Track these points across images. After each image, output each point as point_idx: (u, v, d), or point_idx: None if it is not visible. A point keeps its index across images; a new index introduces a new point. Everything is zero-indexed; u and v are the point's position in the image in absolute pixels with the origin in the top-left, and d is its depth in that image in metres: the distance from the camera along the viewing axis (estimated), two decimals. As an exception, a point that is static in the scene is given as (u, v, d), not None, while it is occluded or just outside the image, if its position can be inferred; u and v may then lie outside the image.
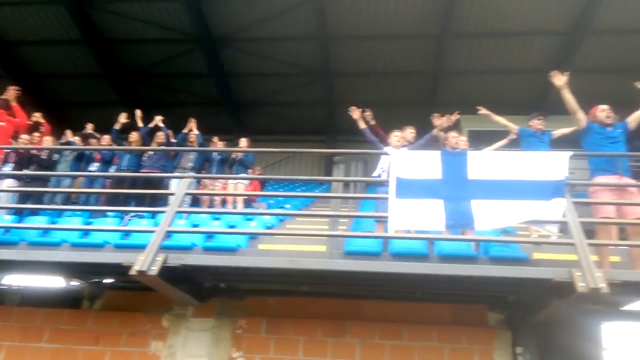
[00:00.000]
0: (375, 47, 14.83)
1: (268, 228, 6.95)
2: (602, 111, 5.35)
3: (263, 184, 12.94)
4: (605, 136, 5.19)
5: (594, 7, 12.62)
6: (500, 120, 6.68)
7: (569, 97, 5.25)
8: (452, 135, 6.33)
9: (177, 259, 4.02)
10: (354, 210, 8.26)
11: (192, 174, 7.65)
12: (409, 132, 6.55)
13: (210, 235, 6.08)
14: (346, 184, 9.33)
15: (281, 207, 9.80)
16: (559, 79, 5.31)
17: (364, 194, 7.32)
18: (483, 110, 6.81)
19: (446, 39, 13.97)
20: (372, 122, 6.72)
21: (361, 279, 4.75)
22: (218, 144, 9.73)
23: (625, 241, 5.13)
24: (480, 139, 7.25)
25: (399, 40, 14.50)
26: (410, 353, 5.23)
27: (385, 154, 4.40)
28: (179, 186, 4.73)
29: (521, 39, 14.09)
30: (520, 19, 13.45)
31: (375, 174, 5.77)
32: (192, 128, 9.01)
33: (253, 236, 6.17)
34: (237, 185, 8.61)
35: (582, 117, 5.28)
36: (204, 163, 9.02)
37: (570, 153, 4.30)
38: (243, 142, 8.89)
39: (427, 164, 4.31)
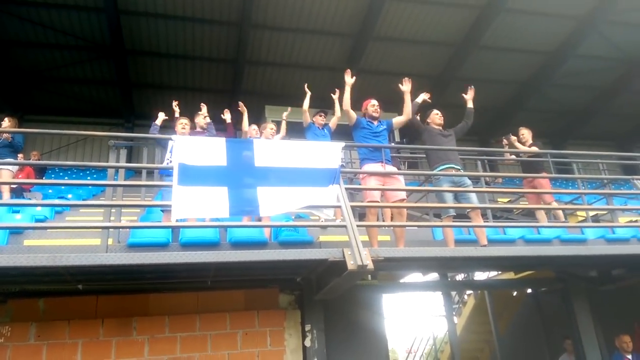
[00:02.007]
0: (175, 28, 14.15)
1: (39, 221, 6.03)
2: (372, 106, 6.03)
3: (41, 171, 11.29)
4: (371, 130, 5.86)
5: (374, 17, 14.21)
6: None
7: (347, 96, 5.79)
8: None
9: None
10: (147, 200, 7.76)
11: None
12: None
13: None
14: (149, 173, 8.78)
15: (61, 198, 8.65)
16: (349, 77, 5.82)
17: (144, 182, 6.88)
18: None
19: (247, 28, 14.08)
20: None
21: (145, 272, 4.48)
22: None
23: (388, 222, 5.88)
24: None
25: (201, 24, 14.11)
26: (204, 341, 5.21)
27: (170, 139, 4.17)
28: None
29: (316, 37, 15.05)
30: (314, 19, 14.37)
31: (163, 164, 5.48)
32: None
33: (17, 231, 5.28)
34: (1, 171, 7.28)
35: (353, 115, 5.87)
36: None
37: (343, 144, 4.72)
38: (5, 122, 7.51)
39: (212, 151, 4.24)
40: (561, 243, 6.68)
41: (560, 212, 7.57)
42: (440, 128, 6.28)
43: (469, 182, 5.99)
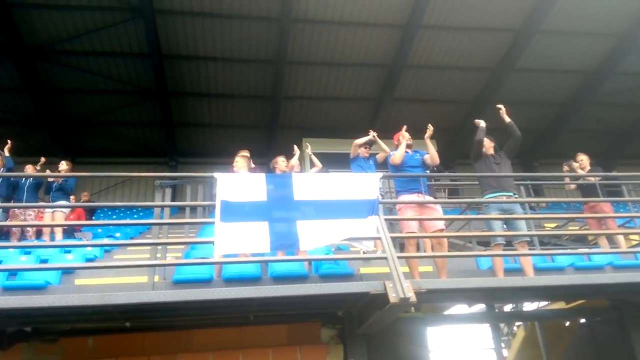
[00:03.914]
0: (215, 69, 14.78)
1: (89, 260, 6.28)
2: (405, 137, 5.98)
3: (91, 211, 11.79)
4: (407, 160, 5.81)
5: (408, 46, 14.36)
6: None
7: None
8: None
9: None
10: (190, 237, 7.96)
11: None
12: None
13: (14, 272, 5.25)
14: (192, 209, 9.04)
15: (110, 237, 8.99)
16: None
17: (188, 219, 7.05)
18: (373, 134, 7.03)
19: (282, 65, 14.51)
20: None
21: (190, 308, 4.55)
22: (28, 169, 8.52)
23: (429, 252, 5.77)
24: (322, 162, 7.60)
25: (239, 63, 14.67)
26: (247, 377, 5.19)
27: (211, 177, 4.30)
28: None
29: (350, 69, 15.31)
30: (348, 52, 14.66)
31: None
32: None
33: (69, 271, 5.51)
34: (55, 213, 7.67)
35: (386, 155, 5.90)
36: (11, 189, 7.87)
37: (380, 174, 4.73)
38: (63, 165, 7.97)
39: (252, 187, 4.33)
40: (614, 269, 6.34)
41: (620, 238, 7.23)
42: (493, 155, 6.15)
43: (519, 209, 5.81)
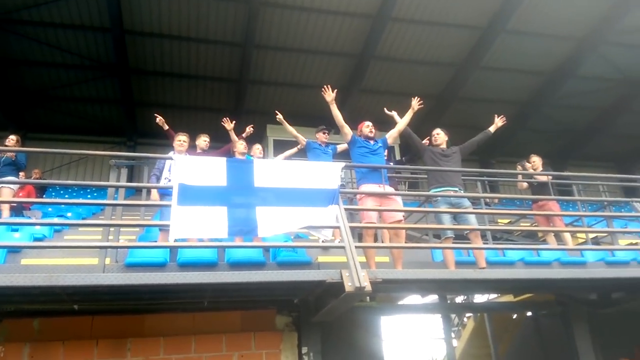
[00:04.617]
0: (180, 48, 14.37)
1: (38, 240, 6.03)
2: (367, 127, 6.02)
3: (42, 189, 11.32)
4: (368, 149, 5.82)
5: (377, 37, 14.41)
6: (291, 130, 6.97)
7: (336, 112, 5.71)
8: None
9: None
10: (146, 220, 7.77)
11: None
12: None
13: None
14: (149, 191, 8.76)
15: (61, 217, 8.66)
16: (329, 95, 5.73)
17: (142, 201, 6.88)
18: (279, 116, 7.05)
19: (250, 48, 14.26)
20: (165, 127, 6.45)
21: (142, 292, 4.46)
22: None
23: (386, 243, 5.85)
24: (284, 148, 7.48)
25: (205, 44, 14.32)
26: (199, 364, 5.14)
27: (170, 158, 4.18)
28: None
29: (319, 57, 15.22)
30: (317, 39, 14.56)
31: (161, 183, 5.45)
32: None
33: (15, 250, 5.28)
34: (2, 189, 7.32)
35: (347, 132, 5.83)
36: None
37: (342, 164, 4.73)
38: (11, 139, 7.59)
39: (212, 171, 4.24)
40: (561, 265, 6.63)
41: (567, 235, 7.56)
42: (442, 148, 6.23)
43: (467, 203, 5.95)
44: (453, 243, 5.97)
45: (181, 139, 6.05)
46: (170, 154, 5.48)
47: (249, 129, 7.00)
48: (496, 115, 6.54)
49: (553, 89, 16.80)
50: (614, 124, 18.49)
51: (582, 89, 16.69)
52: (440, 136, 6.28)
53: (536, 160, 8.23)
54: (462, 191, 5.95)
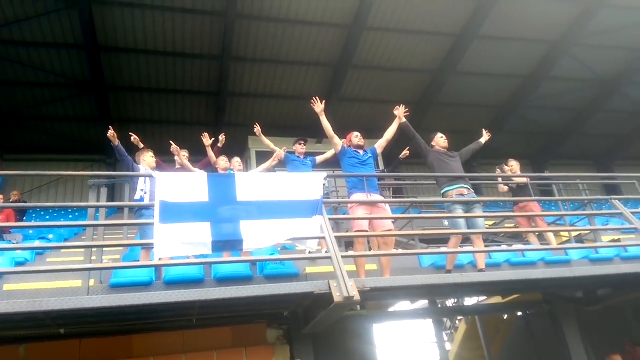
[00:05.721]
0: (156, 63, 14.27)
1: (19, 264, 5.88)
2: (356, 137, 6.05)
3: (22, 212, 11.07)
4: (358, 159, 5.83)
5: (353, 46, 14.52)
6: (268, 143, 6.98)
7: (326, 124, 5.76)
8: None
9: None
10: (129, 239, 7.63)
11: None
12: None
13: None
14: (131, 210, 8.58)
15: (42, 239, 8.46)
16: (318, 106, 5.77)
17: (124, 220, 6.78)
18: (257, 129, 7.05)
19: (227, 61, 14.24)
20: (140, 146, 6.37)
21: (129, 313, 4.37)
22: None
23: (374, 252, 5.84)
24: (267, 159, 7.44)
25: (182, 58, 14.25)
26: (190, 382, 5.05)
27: (150, 176, 4.12)
28: None
29: (297, 67, 15.27)
30: (294, 50, 14.62)
31: (136, 197, 5.37)
32: None
33: (-4, 275, 5.13)
34: (-21, 214, 7.14)
35: (337, 142, 5.85)
36: None
37: (325, 174, 4.73)
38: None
39: (193, 187, 4.18)
40: (546, 265, 6.71)
41: (550, 235, 7.67)
42: (446, 150, 6.34)
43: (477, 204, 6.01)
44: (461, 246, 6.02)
45: (150, 153, 5.96)
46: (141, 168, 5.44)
47: (222, 137, 6.95)
48: (484, 130, 6.84)
49: (529, 91, 17.13)
50: (590, 123, 18.92)
51: (557, 90, 17.07)
52: (443, 139, 6.43)
53: (514, 165, 8.39)
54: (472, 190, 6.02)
